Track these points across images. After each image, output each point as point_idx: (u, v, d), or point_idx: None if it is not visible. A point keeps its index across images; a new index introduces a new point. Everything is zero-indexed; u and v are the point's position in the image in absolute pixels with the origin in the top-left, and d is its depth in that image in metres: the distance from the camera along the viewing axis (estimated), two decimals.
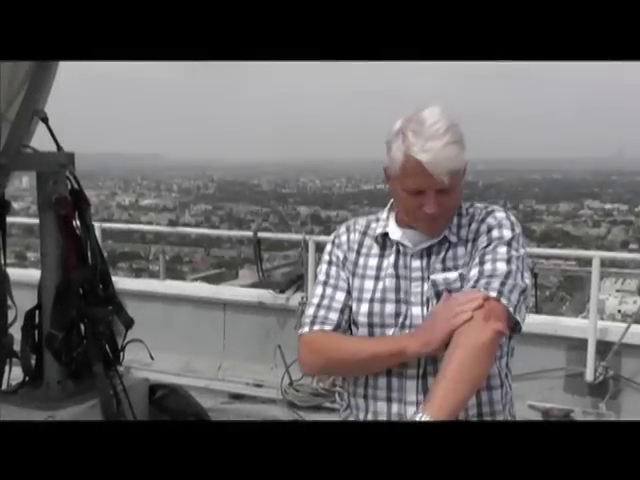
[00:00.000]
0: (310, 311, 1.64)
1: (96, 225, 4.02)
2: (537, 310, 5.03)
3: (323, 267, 1.68)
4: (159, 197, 33.05)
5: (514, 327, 1.51)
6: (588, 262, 4.24)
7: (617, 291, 14.20)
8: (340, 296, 1.62)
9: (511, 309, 1.48)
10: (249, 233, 5.38)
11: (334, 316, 1.61)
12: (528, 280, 1.55)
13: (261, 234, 5.24)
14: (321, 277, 1.67)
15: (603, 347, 4.05)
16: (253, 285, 6.06)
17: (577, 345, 4.10)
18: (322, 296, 1.64)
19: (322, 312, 1.62)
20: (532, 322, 4.02)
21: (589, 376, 4.03)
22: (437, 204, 1.50)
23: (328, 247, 1.70)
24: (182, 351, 4.92)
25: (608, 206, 30.06)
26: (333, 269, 1.66)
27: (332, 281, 1.64)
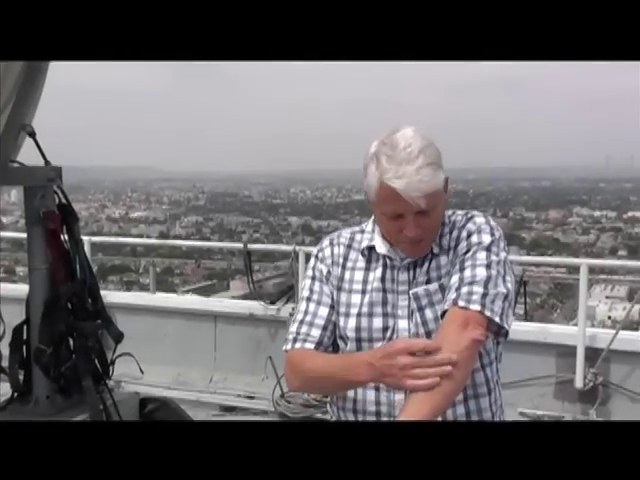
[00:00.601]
0: (293, 328, 1.64)
1: (85, 239, 4.02)
2: (527, 318, 5.05)
3: (307, 282, 1.68)
4: (149, 209, 32.89)
5: (498, 332, 1.50)
6: (577, 269, 4.27)
7: (607, 297, 14.24)
8: (323, 312, 1.62)
9: (497, 319, 1.47)
10: (240, 244, 5.39)
11: (316, 333, 1.61)
12: (510, 284, 1.53)
13: (251, 246, 5.24)
14: (304, 293, 1.67)
15: (592, 354, 4.07)
16: (245, 296, 6.05)
17: (567, 352, 4.12)
18: (305, 312, 1.64)
19: (304, 329, 1.62)
20: (522, 330, 4.04)
21: (579, 383, 4.05)
22: (417, 226, 1.50)
23: (311, 262, 1.70)
24: (173, 364, 4.91)
25: (597, 213, 30.18)
26: (316, 284, 1.65)
27: (315, 297, 1.64)
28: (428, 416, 1.35)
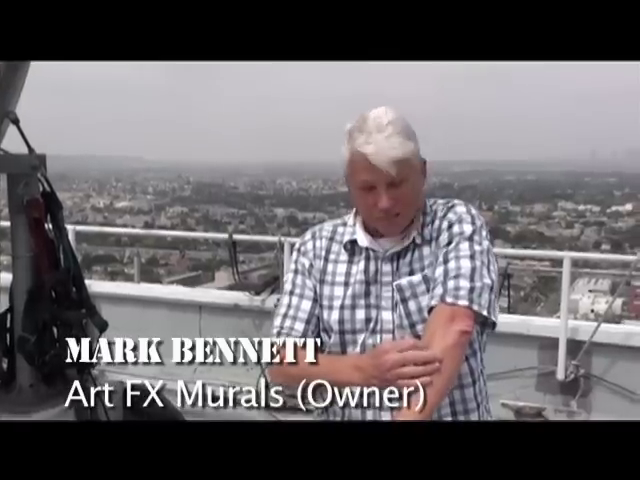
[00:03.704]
0: (277, 322, 1.63)
1: (70, 228, 3.99)
2: (511, 311, 5.09)
3: (289, 276, 1.67)
4: (134, 199, 32.71)
5: (485, 322, 1.52)
6: (561, 263, 4.31)
7: (590, 291, 14.37)
8: (306, 305, 1.62)
9: (485, 312, 1.48)
10: (225, 235, 5.38)
11: (300, 326, 1.61)
12: (494, 274, 1.54)
13: (237, 236, 5.24)
14: (287, 286, 1.66)
15: (574, 346, 4.12)
16: (230, 287, 6.04)
17: (549, 344, 4.16)
18: (288, 306, 1.63)
19: (288, 323, 1.61)
20: (505, 322, 4.04)
21: (560, 375, 4.10)
22: (390, 198, 1.50)
23: (294, 255, 1.69)
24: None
25: (581, 207, 30.43)
26: (299, 278, 1.65)
27: (298, 290, 1.64)
28: (423, 414, 1.35)
